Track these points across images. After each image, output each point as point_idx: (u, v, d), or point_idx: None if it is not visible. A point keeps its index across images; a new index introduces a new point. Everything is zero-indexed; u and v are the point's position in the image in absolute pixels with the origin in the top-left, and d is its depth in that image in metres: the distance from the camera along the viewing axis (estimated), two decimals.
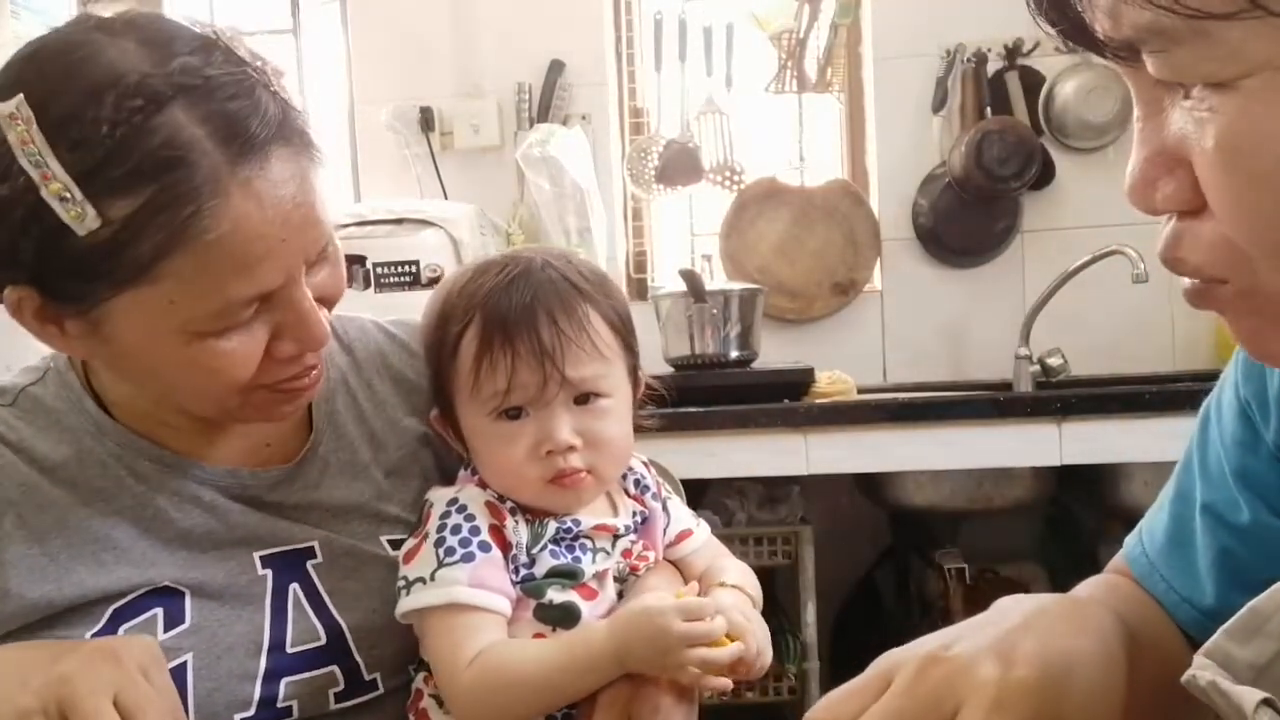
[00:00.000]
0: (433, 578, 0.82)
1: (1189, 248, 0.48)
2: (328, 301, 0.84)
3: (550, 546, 0.86)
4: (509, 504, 0.87)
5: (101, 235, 0.70)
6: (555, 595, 0.84)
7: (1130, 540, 0.78)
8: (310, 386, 0.86)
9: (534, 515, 0.87)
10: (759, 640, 0.86)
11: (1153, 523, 0.77)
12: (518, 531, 0.85)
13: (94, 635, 0.80)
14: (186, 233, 0.71)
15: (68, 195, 0.69)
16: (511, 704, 0.81)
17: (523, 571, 0.85)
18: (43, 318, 0.78)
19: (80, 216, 0.70)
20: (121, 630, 0.81)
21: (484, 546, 0.83)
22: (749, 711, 2.32)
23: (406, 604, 0.83)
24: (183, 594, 0.84)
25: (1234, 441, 0.71)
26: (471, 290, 0.88)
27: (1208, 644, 0.51)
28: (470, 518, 0.85)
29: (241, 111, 0.73)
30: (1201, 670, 0.50)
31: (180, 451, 0.87)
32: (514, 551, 0.85)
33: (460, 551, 0.83)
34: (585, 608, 0.85)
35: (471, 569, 0.82)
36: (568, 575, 0.85)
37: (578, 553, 0.87)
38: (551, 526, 0.86)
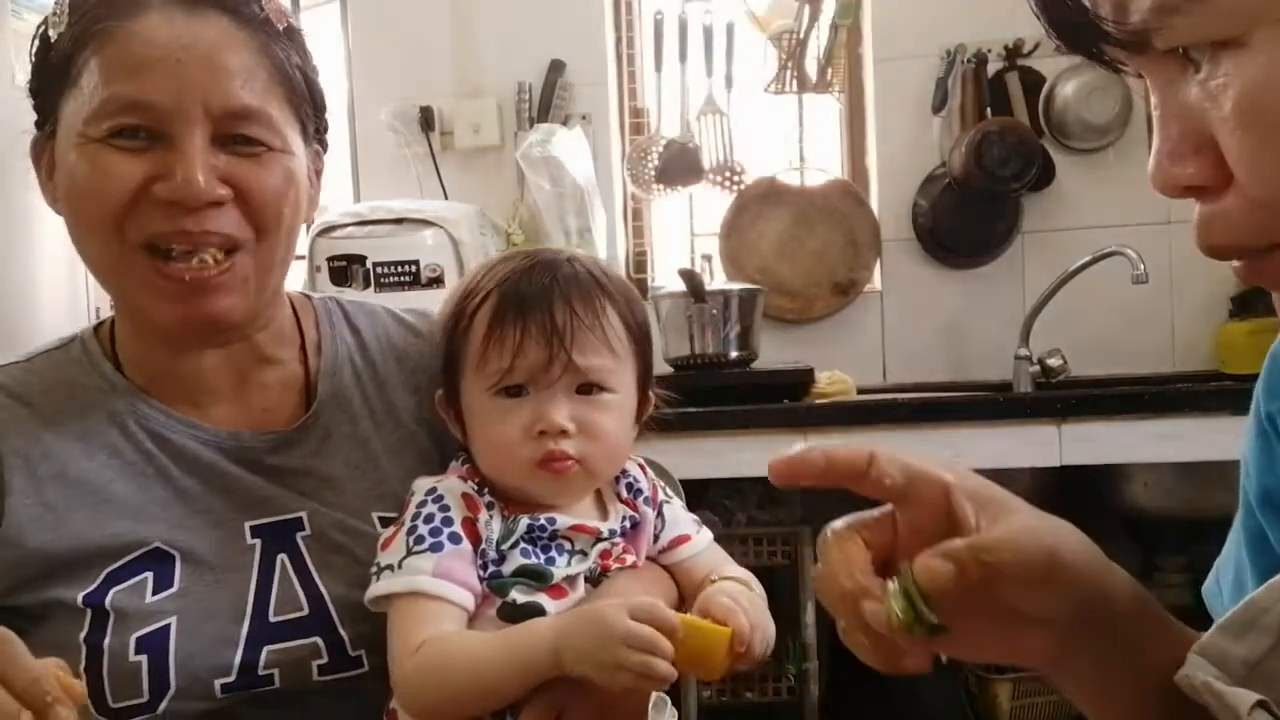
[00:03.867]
0: (400, 565, 0.82)
1: (1222, 229, 0.48)
2: (245, 194, 0.85)
3: (522, 545, 0.85)
4: (487, 497, 0.86)
5: (62, 43, 0.85)
6: (519, 596, 0.83)
7: (1207, 581, 0.77)
8: (201, 283, 0.84)
9: (510, 510, 0.87)
10: (752, 619, 0.83)
11: (1222, 564, 0.76)
12: (490, 526, 0.85)
13: (86, 596, 0.83)
14: (102, 33, 0.83)
15: (59, 12, 0.86)
16: (450, 695, 0.79)
17: (491, 568, 0.84)
18: (45, 166, 0.89)
19: (58, 24, 0.86)
20: (111, 593, 0.84)
21: (454, 538, 0.83)
22: (749, 711, 2.32)
23: (373, 590, 0.83)
24: (174, 557, 0.86)
25: (1255, 466, 0.71)
26: (495, 272, 0.90)
27: (1202, 640, 0.51)
28: (445, 508, 0.85)
29: None
30: (1195, 670, 0.50)
31: (185, 413, 0.91)
32: (483, 546, 0.84)
33: (429, 541, 0.83)
34: (553, 607, 0.83)
35: (438, 559, 0.82)
36: (535, 576, 0.84)
37: (552, 553, 0.86)
38: (523, 523, 0.85)
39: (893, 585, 0.55)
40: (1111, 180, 2.62)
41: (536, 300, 0.86)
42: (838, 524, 0.59)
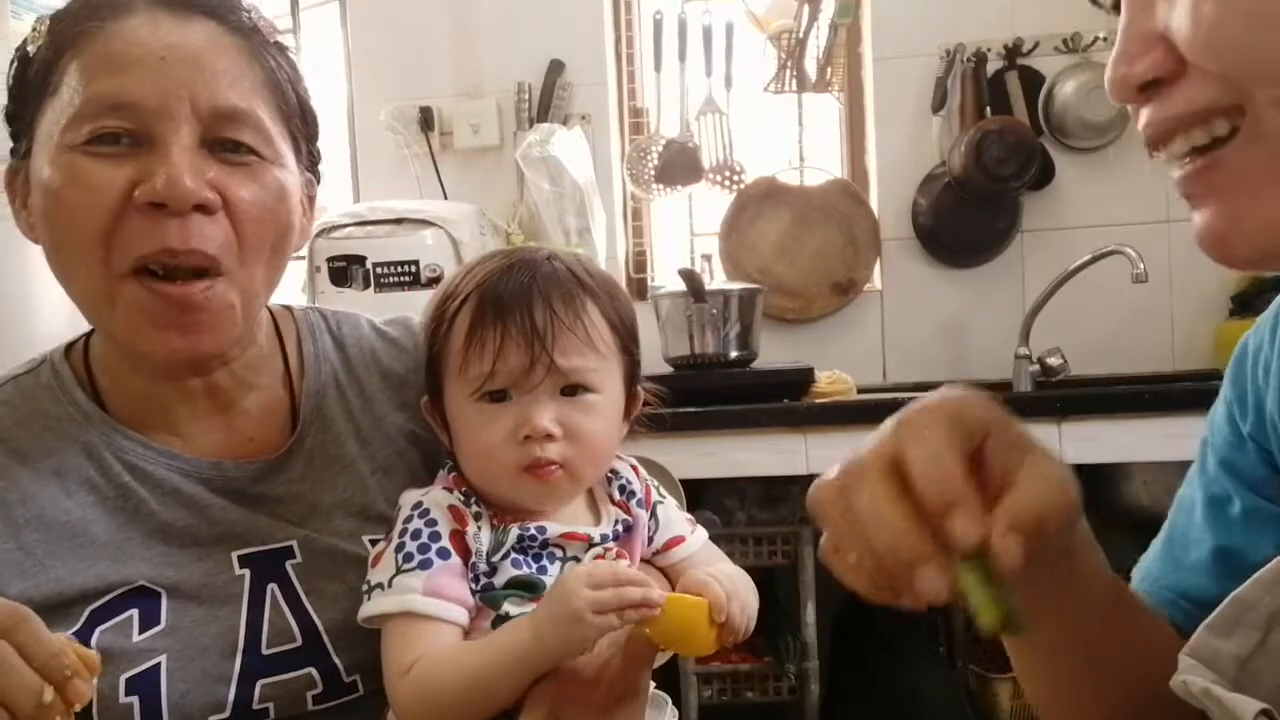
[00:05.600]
0: (390, 584, 0.81)
1: (1182, 102, 0.50)
2: (234, 204, 0.81)
3: (513, 555, 0.84)
4: (474, 508, 0.85)
5: (41, 54, 0.82)
6: (512, 608, 0.82)
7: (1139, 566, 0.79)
8: (195, 305, 0.80)
9: (499, 520, 0.85)
10: (728, 590, 0.82)
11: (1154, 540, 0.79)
12: (479, 538, 0.83)
13: (70, 636, 0.79)
14: (82, 36, 0.80)
15: (39, 28, 0.83)
16: (446, 708, 0.79)
17: (483, 580, 0.83)
18: (19, 194, 0.85)
19: (38, 39, 0.83)
20: (97, 632, 0.81)
21: (443, 553, 0.82)
22: (749, 711, 2.32)
23: (365, 610, 0.82)
24: (159, 594, 0.83)
25: (1224, 441, 0.74)
26: (474, 274, 0.88)
27: (1191, 641, 0.51)
28: (432, 523, 0.83)
29: None
30: (1191, 675, 0.50)
31: (165, 443, 0.88)
32: (474, 559, 0.83)
33: (418, 558, 0.81)
34: None
35: (427, 577, 0.80)
36: (527, 587, 0.83)
37: (544, 562, 0.85)
38: (513, 533, 0.84)
39: (959, 564, 0.50)
40: (1111, 179, 2.62)
41: (515, 302, 0.84)
42: (868, 456, 0.54)
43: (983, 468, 0.54)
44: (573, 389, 0.85)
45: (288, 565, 0.87)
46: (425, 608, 0.80)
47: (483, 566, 0.83)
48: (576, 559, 0.86)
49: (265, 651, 0.84)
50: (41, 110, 0.82)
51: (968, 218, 2.65)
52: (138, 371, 0.88)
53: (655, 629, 0.78)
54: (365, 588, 0.83)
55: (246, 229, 0.82)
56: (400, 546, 0.82)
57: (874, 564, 0.52)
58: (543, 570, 0.84)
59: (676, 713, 0.97)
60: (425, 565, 0.81)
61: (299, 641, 0.85)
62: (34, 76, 0.83)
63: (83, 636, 0.80)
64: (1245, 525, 0.70)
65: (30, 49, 0.84)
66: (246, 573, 0.86)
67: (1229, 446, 0.73)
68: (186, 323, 0.81)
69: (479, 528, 0.84)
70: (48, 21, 0.83)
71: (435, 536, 0.82)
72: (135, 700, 0.80)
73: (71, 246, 0.80)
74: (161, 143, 0.78)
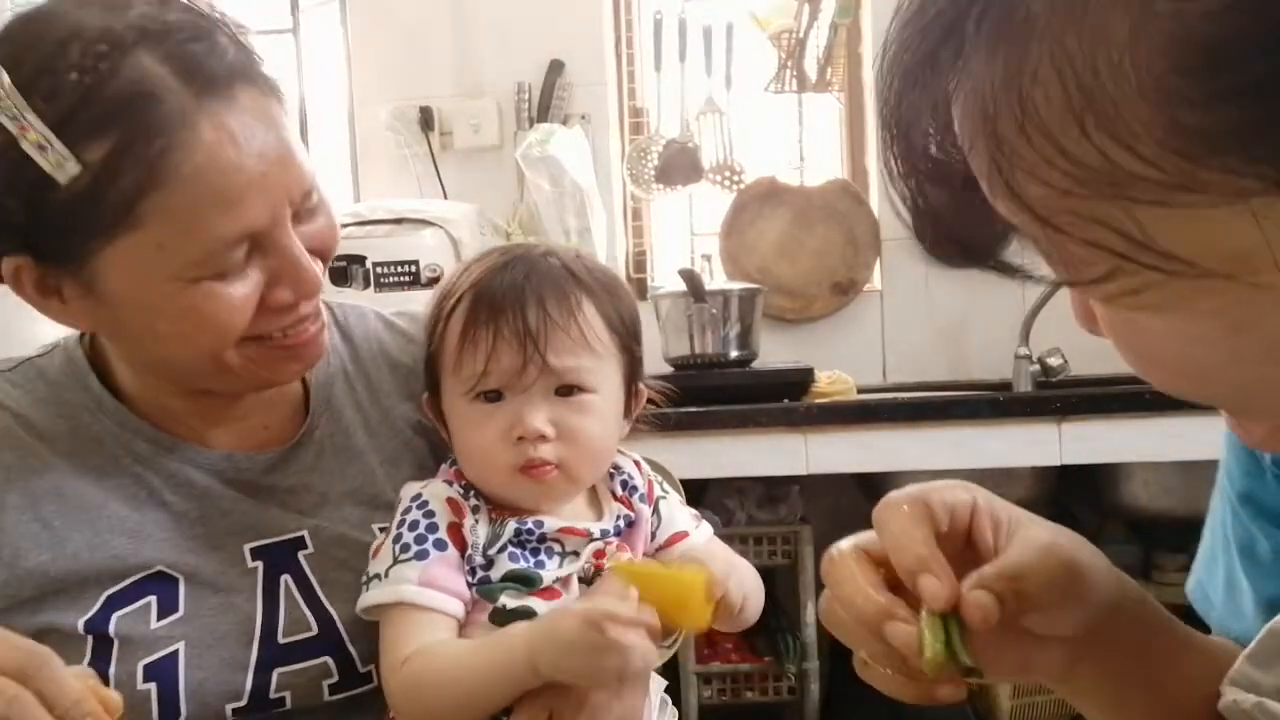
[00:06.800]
0: (386, 575, 0.81)
1: None
2: (321, 252, 0.84)
3: (510, 549, 0.84)
4: (472, 501, 0.85)
5: (81, 182, 0.72)
6: (509, 601, 0.82)
7: (1190, 583, 0.76)
8: (311, 342, 0.86)
9: (496, 514, 0.86)
10: (725, 572, 0.82)
11: (1205, 565, 0.76)
12: (476, 531, 0.84)
13: (87, 621, 0.81)
14: (160, 168, 0.73)
15: (45, 144, 0.72)
16: (439, 706, 0.79)
17: (479, 573, 0.83)
18: (43, 289, 0.80)
19: (59, 164, 0.72)
20: (114, 619, 0.81)
21: (439, 545, 0.82)
22: (749, 711, 2.32)
23: (363, 601, 0.83)
24: (177, 580, 0.84)
25: (1241, 471, 0.71)
26: (470, 272, 0.88)
27: (1232, 671, 0.51)
28: (430, 514, 0.84)
29: (201, 51, 0.76)
30: (1239, 695, 0.49)
31: (178, 435, 0.88)
32: (470, 552, 0.83)
33: (415, 549, 0.82)
34: (545, 610, 0.82)
35: (423, 568, 0.81)
36: (523, 581, 0.83)
37: (542, 556, 0.85)
38: (510, 527, 0.84)
39: (926, 615, 0.53)
40: None
41: (508, 301, 0.84)
42: (843, 544, 0.58)
43: (973, 548, 0.56)
44: (567, 389, 0.85)
45: (300, 556, 0.88)
46: (420, 598, 0.80)
47: (479, 559, 0.84)
48: (575, 554, 0.86)
49: (282, 640, 0.85)
50: (111, 240, 0.75)
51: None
52: (167, 382, 0.88)
53: (650, 598, 0.77)
54: (364, 579, 0.83)
55: (327, 258, 0.86)
56: (398, 538, 0.83)
57: (872, 650, 0.55)
58: (540, 565, 0.84)
59: (676, 713, 0.97)
60: (421, 556, 0.81)
61: (315, 630, 0.86)
62: (95, 209, 0.74)
63: (100, 622, 0.81)
64: (1277, 566, 0.68)
65: (58, 176, 0.72)
66: (259, 565, 0.87)
67: (1247, 476, 0.70)
68: (305, 355, 0.86)
69: (476, 521, 0.84)
70: (53, 133, 0.72)
71: (432, 528, 0.83)
72: (153, 687, 0.81)
73: (200, 347, 0.81)
74: (277, 244, 0.79)
